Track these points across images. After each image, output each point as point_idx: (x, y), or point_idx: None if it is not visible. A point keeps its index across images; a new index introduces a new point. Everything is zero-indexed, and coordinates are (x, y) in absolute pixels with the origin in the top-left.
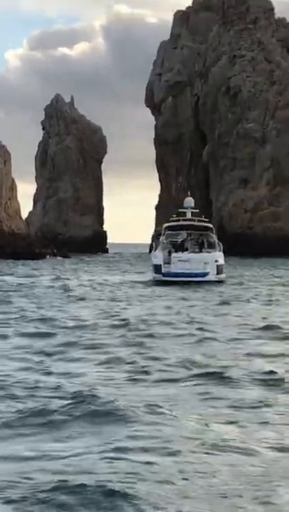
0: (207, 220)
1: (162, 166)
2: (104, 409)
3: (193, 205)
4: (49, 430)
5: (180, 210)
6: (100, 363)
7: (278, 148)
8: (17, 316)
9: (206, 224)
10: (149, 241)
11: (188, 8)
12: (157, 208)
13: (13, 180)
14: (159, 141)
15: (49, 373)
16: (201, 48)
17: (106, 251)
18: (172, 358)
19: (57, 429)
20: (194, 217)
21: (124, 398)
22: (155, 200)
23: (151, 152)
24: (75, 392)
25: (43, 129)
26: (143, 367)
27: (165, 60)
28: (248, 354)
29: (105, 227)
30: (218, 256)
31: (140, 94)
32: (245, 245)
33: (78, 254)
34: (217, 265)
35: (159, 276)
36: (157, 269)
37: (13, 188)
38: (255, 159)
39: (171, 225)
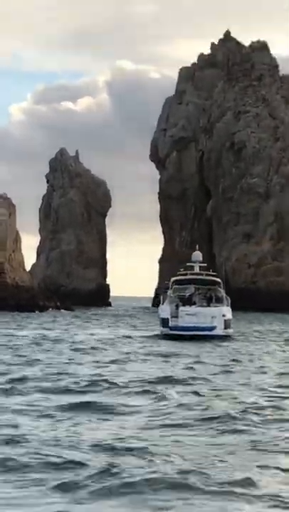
0: (215, 274)
1: (166, 220)
2: None
3: (201, 259)
4: None
5: (188, 263)
6: None
7: (282, 204)
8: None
9: (214, 278)
10: (151, 295)
11: (194, 64)
12: (161, 261)
13: (17, 233)
14: (164, 196)
15: None
16: (206, 104)
17: (109, 304)
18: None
19: None
20: (202, 271)
21: None
22: (158, 254)
23: (155, 206)
24: None
25: (48, 182)
26: None
27: (170, 115)
28: None
29: (108, 280)
30: (226, 310)
31: (144, 149)
32: (248, 300)
33: (81, 307)
34: (225, 320)
35: (166, 330)
36: (164, 322)
37: (17, 240)
38: (259, 214)
39: (179, 279)
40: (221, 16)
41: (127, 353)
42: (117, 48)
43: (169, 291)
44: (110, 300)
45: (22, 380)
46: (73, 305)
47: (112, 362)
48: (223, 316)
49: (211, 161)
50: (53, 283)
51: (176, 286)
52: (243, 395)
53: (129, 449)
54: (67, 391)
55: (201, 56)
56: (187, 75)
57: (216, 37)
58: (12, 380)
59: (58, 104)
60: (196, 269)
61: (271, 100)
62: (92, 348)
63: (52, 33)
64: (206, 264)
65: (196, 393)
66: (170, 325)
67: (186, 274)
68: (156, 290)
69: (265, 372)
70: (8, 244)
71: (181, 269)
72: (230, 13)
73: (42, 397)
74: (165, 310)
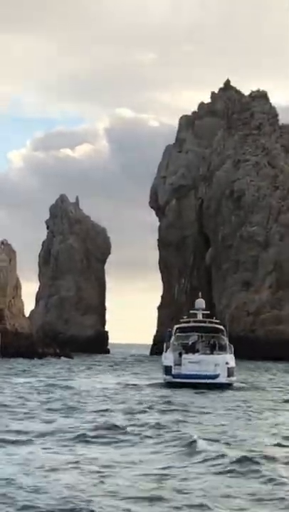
0: (218, 321)
1: (165, 267)
2: None
3: (204, 306)
4: None
5: (191, 311)
6: None
7: (281, 252)
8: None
9: (217, 326)
10: (150, 342)
11: (194, 113)
12: (159, 308)
13: (17, 279)
14: (163, 243)
15: None
16: (206, 152)
17: (107, 351)
18: None
19: None
20: (205, 319)
21: None
22: (157, 301)
23: (154, 253)
24: None
25: (48, 228)
26: None
27: (170, 163)
28: None
29: (106, 327)
30: (229, 358)
31: (142, 196)
32: (247, 348)
33: (79, 354)
34: (228, 367)
35: (169, 378)
36: (168, 370)
37: (17, 286)
38: (258, 262)
39: (182, 327)
40: (219, 65)
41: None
42: (116, 95)
43: (172, 339)
44: (108, 347)
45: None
46: (71, 352)
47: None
48: (227, 363)
49: (210, 209)
50: (51, 329)
51: (179, 333)
52: None
53: None
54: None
55: (201, 105)
56: (187, 123)
57: (215, 85)
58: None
59: (56, 151)
60: (200, 317)
61: (271, 149)
62: (106, 396)
63: (51, 79)
64: (209, 312)
65: None
66: (173, 373)
67: (189, 322)
68: (155, 337)
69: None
70: (9, 291)
71: (184, 317)
72: (229, 62)
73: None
74: (168, 358)
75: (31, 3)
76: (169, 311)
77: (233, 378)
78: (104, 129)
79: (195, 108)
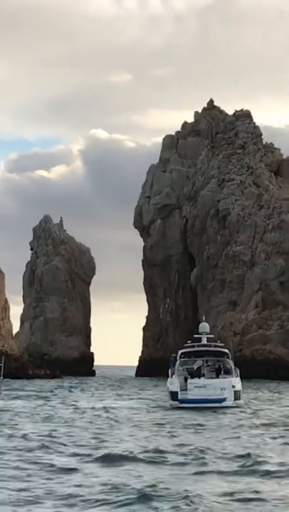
0: (223, 345)
1: (150, 287)
2: None
3: (208, 330)
4: None
5: (195, 335)
6: None
7: (267, 271)
8: None
9: (222, 349)
10: (135, 363)
11: (177, 132)
12: (145, 329)
13: (6, 300)
14: (148, 263)
15: None
16: (190, 172)
17: (93, 373)
18: None
19: None
20: (210, 343)
21: None
22: (143, 322)
23: (138, 274)
24: None
25: (31, 249)
26: None
27: (154, 183)
28: None
29: (92, 348)
30: (236, 381)
31: (119, 216)
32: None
33: (66, 376)
34: (234, 391)
35: (175, 403)
36: (174, 396)
37: (6, 308)
38: (244, 282)
39: (187, 351)
40: (195, 86)
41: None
42: (91, 117)
43: (177, 364)
44: (94, 369)
45: None
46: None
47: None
48: (233, 386)
49: (195, 228)
50: (36, 351)
51: (184, 358)
52: None
53: None
54: None
55: (185, 124)
56: (171, 143)
57: (190, 106)
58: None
59: (31, 173)
60: (204, 341)
61: (255, 168)
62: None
63: (25, 101)
64: (213, 336)
65: None
66: (179, 398)
67: (193, 346)
68: (140, 358)
69: None
70: None
71: (188, 341)
72: (205, 82)
73: None
74: (174, 383)
75: (5, 25)
76: (154, 332)
77: (240, 401)
78: (79, 151)
79: (170, 128)
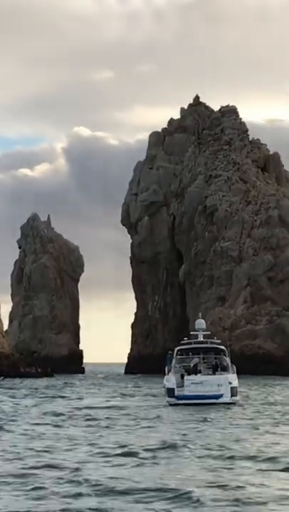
0: (219, 341)
1: (138, 284)
2: None
3: (204, 327)
4: None
5: (191, 332)
6: None
7: (255, 267)
8: None
9: (218, 346)
10: (123, 361)
11: (164, 129)
12: (133, 326)
13: None
14: (136, 260)
15: None
16: (177, 169)
17: (82, 371)
18: None
19: None
20: (206, 340)
21: None
22: (131, 319)
23: (124, 271)
24: None
25: (19, 247)
26: None
27: (141, 180)
28: None
29: (80, 345)
30: (232, 378)
31: (102, 214)
32: None
33: (57, 374)
34: (231, 387)
35: (172, 400)
36: (170, 392)
37: None
38: (232, 278)
39: (183, 348)
40: (177, 82)
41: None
42: (74, 114)
43: (174, 361)
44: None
45: None
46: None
47: None
48: (230, 383)
49: (182, 225)
50: (25, 349)
51: (180, 355)
52: None
53: None
54: None
55: (171, 121)
56: (157, 140)
57: (174, 103)
58: None
59: (15, 171)
60: (200, 338)
61: (242, 164)
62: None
63: (8, 99)
64: (209, 332)
65: None
66: (176, 395)
67: (190, 343)
68: (129, 356)
69: None
70: None
71: (185, 338)
72: (187, 78)
73: None
74: (170, 380)
75: None
76: (143, 328)
77: (237, 398)
78: (62, 148)
79: (154, 125)
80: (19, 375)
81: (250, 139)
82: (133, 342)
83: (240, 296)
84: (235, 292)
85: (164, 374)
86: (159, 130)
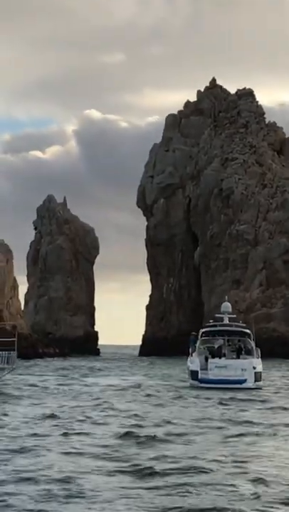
0: (244, 325)
1: (153, 267)
2: None
3: (230, 310)
4: None
5: (216, 315)
6: None
7: (271, 250)
8: None
9: (243, 329)
10: (138, 342)
11: (180, 112)
12: (148, 308)
13: (14, 279)
14: (151, 242)
15: None
16: (193, 151)
17: (98, 353)
18: None
19: None
20: (232, 323)
21: None
22: (146, 301)
23: (136, 253)
24: None
25: (35, 228)
26: None
27: (157, 162)
28: None
29: (96, 327)
30: (256, 362)
31: (114, 196)
32: None
33: (73, 355)
34: (255, 372)
35: (195, 383)
36: (194, 375)
37: (14, 286)
38: (248, 261)
39: (208, 330)
40: (188, 65)
41: None
42: (84, 97)
43: (198, 343)
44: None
45: None
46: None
47: None
48: (254, 368)
49: (198, 207)
50: (41, 330)
51: (205, 337)
52: None
53: None
54: None
55: (188, 103)
56: (174, 122)
57: (186, 86)
58: None
59: (25, 153)
60: (226, 321)
61: (258, 147)
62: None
63: (17, 82)
64: (235, 316)
65: None
66: (199, 377)
67: (215, 326)
68: (144, 338)
69: None
70: (6, 291)
71: (211, 321)
72: (199, 61)
73: None
74: (194, 362)
75: None
76: (158, 311)
77: (260, 383)
78: (74, 131)
79: (165, 108)
80: (38, 356)
81: (267, 122)
82: (148, 324)
83: (256, 280)
84: (250, 275)
85: (189, 355)
86: (175, 112)
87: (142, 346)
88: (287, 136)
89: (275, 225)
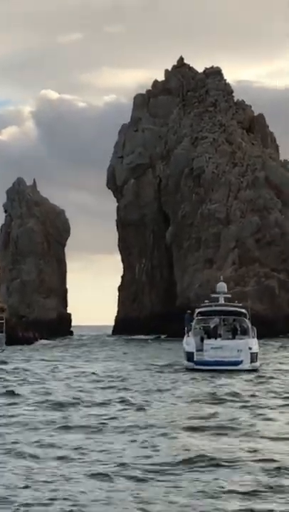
0: (240, 305)
1: (125, 248)
2: None
3: (226, 290)
4: None
5: (212, 295)
6: None
7: (243, 229)
8: None
9: (239, 309)
10: (111, 323)
11: (148, 91)
12: (120, 289)
13: None
14: (122, 223)
15: None
16: (162, 131)
17: (71, 334)
18: None
19: None
20: (227, 303)
21: None
22: (118, 281)
23: (112, 235)
24: None
25: (5, 211)
26: None
27: (126, 142)
28: None
29: (68, 309)
30: (252, 343)
31: (74, 177)
32: None
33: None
34: (251, 353)
35: (190, 365)
36: (189, 356)
37: None
38: (220, 240)
39: (204, 310)
40: (144, 44)
41: None
42: (41, 77)
43: (194, 323)
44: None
45: None
46: None
47: None
48: (250, 348)
49: (169, 187)
50: (14, 313)
51: (201, 317)
52: None
53: None
54: None
55: (155, 83)
56: (142, 102)
57: (141, 66)
58: None
59: None
60: (221, 301)
61: (227, 126)
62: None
63: None
64: (230, 296)
65: None
66: (195, 359)
67: (210, 306)
68: (116, 318)
69: None
70: None
71: (206, 301)
72: (155, 40)
73: None
74: (190, 343)
75: None
76: (130, 292)
77: (256, 364)
78: (31, 112)
79: (122, 87)
80: (18, 341)
81: (236, 100)
82: (120, 305)
83: (228, 258)
84: (223, 254)
85: (184, 335)
86: (136, 92)
87: (114, 326)
88: (255, 114)
89: (246, 204)
